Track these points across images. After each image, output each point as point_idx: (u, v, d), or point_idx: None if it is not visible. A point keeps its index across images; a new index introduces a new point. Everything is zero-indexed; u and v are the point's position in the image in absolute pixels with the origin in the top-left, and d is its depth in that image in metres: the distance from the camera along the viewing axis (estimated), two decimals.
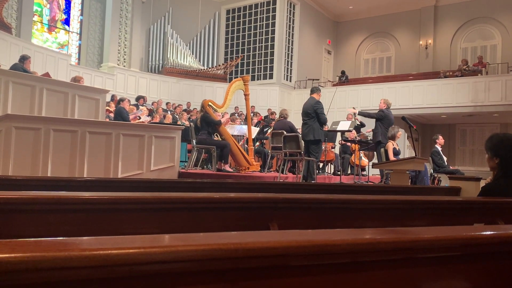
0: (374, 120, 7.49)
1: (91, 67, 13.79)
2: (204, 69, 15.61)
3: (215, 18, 16.51)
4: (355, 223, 1.84)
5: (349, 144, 8.64)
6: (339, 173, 8.03)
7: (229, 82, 10.46)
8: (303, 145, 6.49)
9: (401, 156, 7.22)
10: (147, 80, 14.25)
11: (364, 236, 0.88)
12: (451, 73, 13.53)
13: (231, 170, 6.77)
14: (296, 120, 7.87)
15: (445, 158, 7.66)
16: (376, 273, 0.88)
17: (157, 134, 5.95)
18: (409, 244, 0.90)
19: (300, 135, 6.54)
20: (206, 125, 6.68)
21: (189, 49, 15.85)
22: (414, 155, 7.32)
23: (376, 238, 0.87)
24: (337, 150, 9.27)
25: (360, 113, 7.71)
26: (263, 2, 15.70)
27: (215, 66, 15.95)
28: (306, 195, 1.87)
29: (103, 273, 0.62)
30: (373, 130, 7.46)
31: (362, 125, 8.25)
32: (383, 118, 7.20)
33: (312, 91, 6.58)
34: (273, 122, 9.00)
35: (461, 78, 12.75)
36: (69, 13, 14.25)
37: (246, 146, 7.68)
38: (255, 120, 10.89)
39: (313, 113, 6.30)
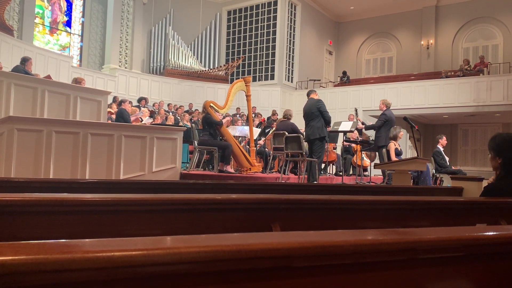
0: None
1: (92, 69, 13.81)
2: (205, 70, 15.62)
3: (216, 19, 16.52)
4: (358, 224, 1.84)
5: (350, 144, 8.63)
6: (341, 173, 8.02)
7: (231, 83, 10.46)
8: (305, 145, 6.48)
9: (403, 157, 7.21)
10: (149, 81, 14.27)
11: (366, 237, 0.88)
12: (452, 73, 13.50)
13: (233, 171, 6.77)
14: (298, 121, 7.86)
15: (447, 158, 7.65)
16: (379, 274, 0.88)
17: (159, 135, 5.95)
18: (412, 245, 0.90)
19: (302, 136, 6.53)
20: (207, 126, 6.68)
21: (191, 50, 15.86)
22: (416, 155, 7.30)
23: (378, 239, 0.87)
24: (339, 151, 9.26)
25: (367, 128, 7.71)
26: (264, 3, 15.71)
27: (217, 67, 15.96)
28: (309, 196, 1.87)
29: (106, 275, 0.62)
30: (375, 135, 7.37)
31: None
32: (386, 121, 7.19)
33: (309, 94, 6.71)
34: (275, 123, 9.00)
35: (463, 78, 12.73)
36: (71, 15, 14.28)
37: (248, 147, 7.69)
38: (257, 121, 10.88)
39: (317, 112, 6.32)
